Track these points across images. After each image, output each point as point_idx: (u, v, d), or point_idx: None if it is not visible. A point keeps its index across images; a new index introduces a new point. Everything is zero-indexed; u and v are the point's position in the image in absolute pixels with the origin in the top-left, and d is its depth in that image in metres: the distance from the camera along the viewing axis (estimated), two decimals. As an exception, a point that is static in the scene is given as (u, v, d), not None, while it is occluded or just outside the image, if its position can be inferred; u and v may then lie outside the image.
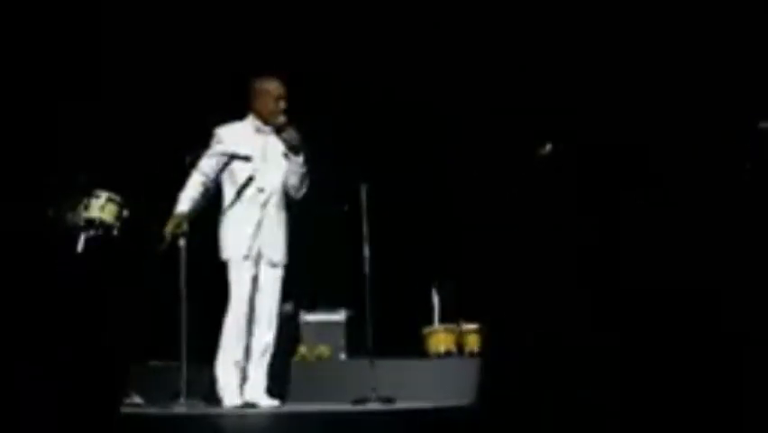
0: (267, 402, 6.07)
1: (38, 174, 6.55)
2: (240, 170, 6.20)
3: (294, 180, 6.32)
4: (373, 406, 6.00)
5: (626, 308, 5.68)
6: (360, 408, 5.95)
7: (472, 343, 6.79)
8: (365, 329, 6.40)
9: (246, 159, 6.15)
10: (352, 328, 6.99)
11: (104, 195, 6.43)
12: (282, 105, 6.28)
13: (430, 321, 7.08)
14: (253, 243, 6.16)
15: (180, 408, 5.84)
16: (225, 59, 7.33)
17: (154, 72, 7.26)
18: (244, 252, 6.14)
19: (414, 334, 6.96)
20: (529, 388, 5.25)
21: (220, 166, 6.22)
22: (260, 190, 6.23)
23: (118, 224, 6.43)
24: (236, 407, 5.93)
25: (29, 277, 5.59)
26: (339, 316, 7.01)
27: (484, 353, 6.67)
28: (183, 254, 6.08)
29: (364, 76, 7.30)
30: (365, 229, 6.73)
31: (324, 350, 6.94)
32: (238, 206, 6.19)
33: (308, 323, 7.03)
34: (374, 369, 6.21)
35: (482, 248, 6.98)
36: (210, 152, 6.23)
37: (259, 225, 6.19)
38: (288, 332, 6.78)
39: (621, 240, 6.20)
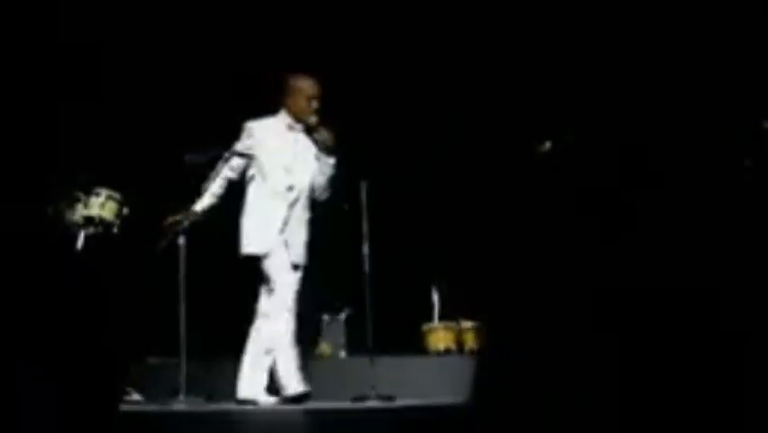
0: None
1: (38, 174, 6.54)
2: (269, 166, 6.15)
3: (321, 181, 6.28)
4: (373, 404, 5.99)
5: (625, 307, 5.68)
6: (359, 405, 5.95)
7: (472, 340, 6.79)
8: (365, 327, 6.40)
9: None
10: (352, 326, 7.00)
11: (104, 192, 6.43)
12: (315, 104, 6.24)
13: (430, 319, 7.08)
14: (279, 239, 6.10)
15: (179, 405, 5.84)
16: (225, 58, 7.32)
17: (154, 71, 7.23)
18: (275, 241, 6.08)
19: (414, 331, 6.97)
20: (527, 386, 5.26)
21: (248, 160, 6.16)
22: (290, 188, 6.18)
23: (118, 221, 6.43)
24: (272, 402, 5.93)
25: (28, 276, 5.58)
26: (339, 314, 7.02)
27: (482, 350, 6.66)
28: (182, 252, 6.09)
29: (364, 74, 7.28)
30: (365, 227, 6.73)
31: (325, 348, 6.95)
32: (265, 201, 6.14)
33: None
34: (374, 367, 6.21)
35: (482, 246, 6.98)
36: (239, 145, 6.20)
37: (285, 223, 6.14)
38: (308, 331, 6.77)
39: (621, 239, 6.19)
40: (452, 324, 6.92)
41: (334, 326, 7.11)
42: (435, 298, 7.07)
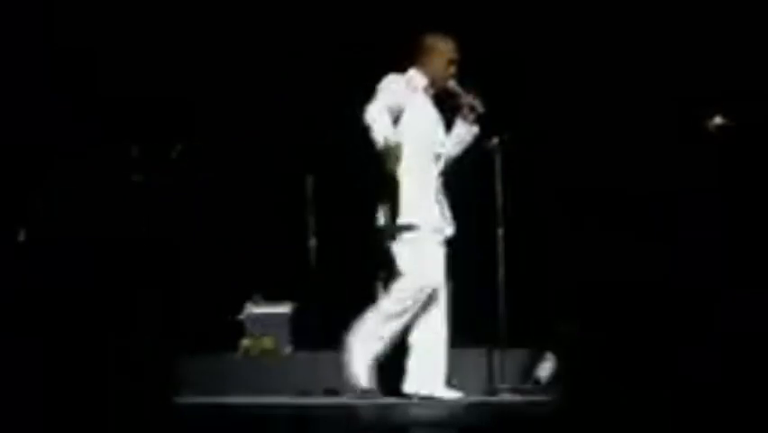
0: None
1: None
2: (417, 130, 5.62)
3: (457, 151, 5.79)
4: (318, 399, 5.96)
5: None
6: (304, 400, 5.90)
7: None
8: (310, 321, 6.37)
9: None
10: (297, 321, 6.93)
11: None
12: (453, 69, 5.72)
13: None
14: (437, 210, 5.67)
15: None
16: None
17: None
18: (435, 212, 5.65)
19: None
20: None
21: (397, 116, 5.57)
22: (438, 157, 5.71)
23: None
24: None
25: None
26: (284, 308, 6.93)
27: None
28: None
29: (314, 67, 7.21)
30: (310, 221, 6.71)
31: (267, 342, 6.88)
32: (418, 170, 5.60)
33: (253, 315, 6.92)
34: (319, 361, 6.15)
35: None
36: (391, 95, 5.56)
37: (437, 195, 5.71)
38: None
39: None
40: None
41: (278, 320, 7.04)
42: (381, 292, 7.02)
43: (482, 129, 5.84)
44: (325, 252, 6.92)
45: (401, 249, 5.63)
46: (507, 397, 5.73)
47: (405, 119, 5.59)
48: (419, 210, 5.60)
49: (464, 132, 5.80)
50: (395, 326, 5.62)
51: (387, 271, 6.87)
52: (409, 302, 5.60)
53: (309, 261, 6.86)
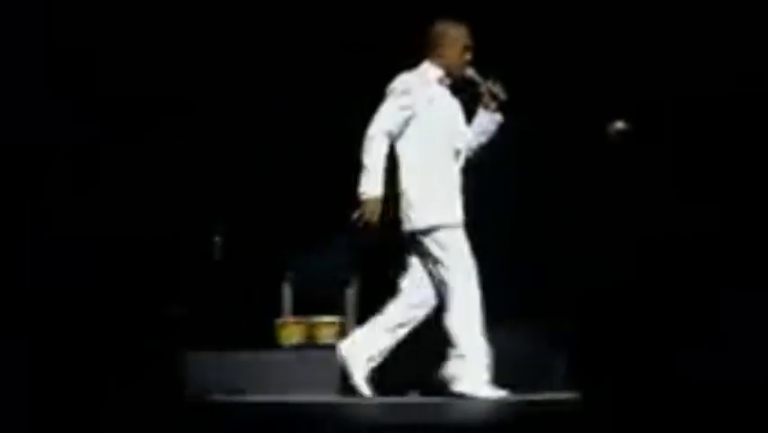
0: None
1: None
2: (433, 127, 5.43)
3: (482, 141, 5.56)
4: (223, 398, 5.88)
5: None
6: (212, 399, 5.82)
7: (323, 335, 6.75)
8: (214, 320, 6.33)
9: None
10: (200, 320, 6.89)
11: None
12: (468, 56, 5.49)
13: (281, 313, 7.03)
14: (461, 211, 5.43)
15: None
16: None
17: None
18: (461, 217, 5.41)
19: (265, 325, 6.90)
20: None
21: (406, 122, 5.43)
22: (458, 153, 5.49)
23: None
24: None
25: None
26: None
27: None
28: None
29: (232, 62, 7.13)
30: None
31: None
32: (437, 167, 5.44)
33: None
34: (224, 361, 6.12)
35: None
36: (396, 103, 5.43)
37: (460, 190, 5.49)
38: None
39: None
40: (303, 318, 6.87)
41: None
42: (287, 292, 7.00)
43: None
44: (230, 251, 6.89)
45: (438, 252, 5.41)
46: (417, 398, 5.73)
47: (422, 115, 5.43)
48: (446, 208, 5.44)
49: (487, 121, 5.57)
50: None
51: (292, 271, 6.92)
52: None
53: (213, 258, 6.84)
